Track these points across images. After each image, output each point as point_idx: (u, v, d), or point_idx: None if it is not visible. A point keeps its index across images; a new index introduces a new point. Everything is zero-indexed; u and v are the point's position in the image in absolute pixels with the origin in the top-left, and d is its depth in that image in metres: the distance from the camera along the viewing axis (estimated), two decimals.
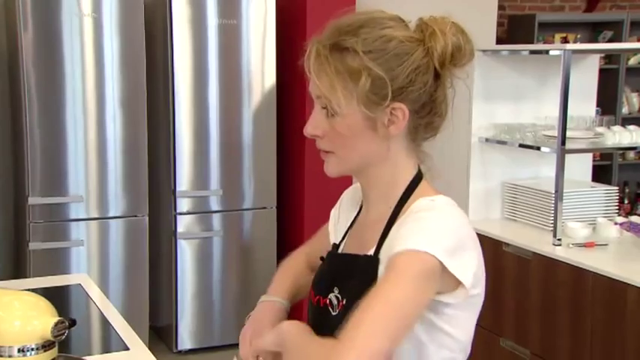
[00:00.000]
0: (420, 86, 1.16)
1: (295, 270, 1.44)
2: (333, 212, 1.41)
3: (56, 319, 1.21)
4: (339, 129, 1.18)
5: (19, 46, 3.51)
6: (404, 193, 1.21)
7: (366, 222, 1.27)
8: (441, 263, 1.09)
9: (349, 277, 1.21)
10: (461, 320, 1.18)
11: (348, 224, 1.33)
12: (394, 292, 1.06)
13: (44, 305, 1.25)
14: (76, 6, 3.59)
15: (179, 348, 3.98)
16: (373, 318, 1.04)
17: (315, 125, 1.20)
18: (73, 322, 1.23)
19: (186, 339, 3.99)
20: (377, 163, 1.21)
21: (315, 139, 1.22)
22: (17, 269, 3.88)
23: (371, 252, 1.20)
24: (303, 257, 1.46)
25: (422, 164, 1.25)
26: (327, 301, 1.23)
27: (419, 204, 1.19)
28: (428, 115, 1.20)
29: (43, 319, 1.21)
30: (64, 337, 1.22)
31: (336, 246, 1.33)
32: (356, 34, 1.15)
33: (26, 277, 3.47)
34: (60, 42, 3.58)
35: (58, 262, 3.66)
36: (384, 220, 1.20)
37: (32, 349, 1.21)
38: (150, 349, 3.93)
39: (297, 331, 1.17)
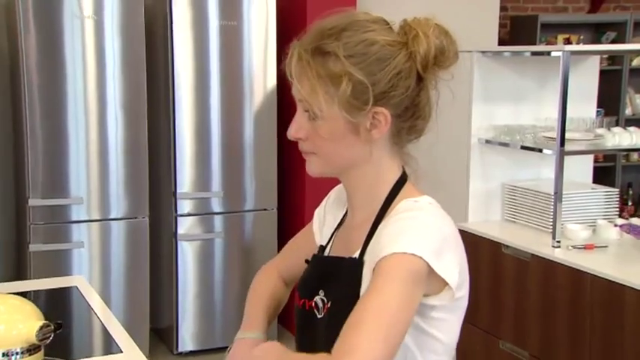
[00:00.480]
0: (403, 91, 1.15)
1: (268, 290, 1.42)
2: (318, 212, 1.40)
3: (41, 322, 1.21)
4: (321, 132, 1.18)
5: (21, 48, 3.52)
6: (388, 196, 1.21)
7: (351, 225, 1.27)
8: (427, 265, 1.09)
9: (334, 280, 1.21)
10: (447, 323, 1.18)
11: (335, 225, 1.32)
12: (386, 299, 1.06)
13: (30, 309, 1.24)
14: (77, 8, 3.60)
15: (180, 350, 3.98)
16: (368, 327, 1.03)
17: (297, 128, 1.20)
18: (58, 326, 1.23)
19: (187, 340, 3.99)
20: (360, 166, 1.21)
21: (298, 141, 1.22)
22: (18, 271, 3.89)
23: (356, 255, 1.19)
24: (275, 274, 1.45)
25: (406, 166, 1.24)
26: (313, 303, 1.23)
27: (402, 205, 1.18)
28: (411, 118, 1.19)
29: (28, 323, 1.21)
30: (49, 340, 1.22)
31: (322, 248, 1.32)
32: (338, 37, 1.14)
33: (27, 279, 3.48)
34: (61, 44, 3.59)
35: (59, 264, 3.67)
36: (369, 223, 1.20)
37: (17, 353, 1.20)
38: (151, 350, 3.96)
39: (276, 351, 1.14)
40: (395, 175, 1.22)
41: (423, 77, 1.17)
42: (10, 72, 3.86)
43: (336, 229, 1.32)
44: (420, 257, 1.08)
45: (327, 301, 1.21)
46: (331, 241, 1.31)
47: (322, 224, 1.37)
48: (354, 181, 1.23)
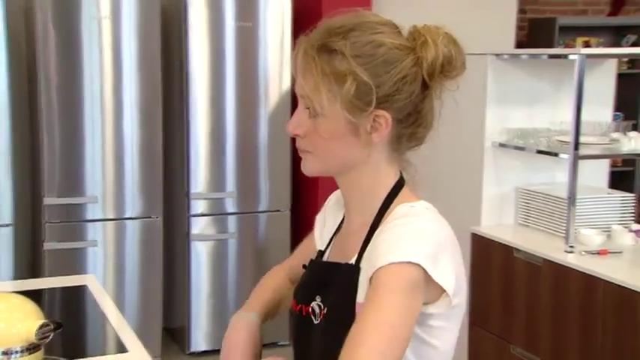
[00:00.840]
0: (406, 95, 1.14)
1: (273, 285, 1.43)
2: (319, 217, 1.39)
3: (41, 321, 1.22)
4: (320, 131, 1.16)
5: (38, 49, 3.56)
6: (385, 201, 1.20)
7: (348, 230, 1.26)
8: (424, 272, 1.08)
9: (331, 286, 1.20)
10: (445, 331, 1.16)
11: (334, 230, 1.32)
12: (385, 313, 1.04)
13: (30, 308, 1.25)
14: (95, 9, 3.63)
15: (192, 349, 4.00)
16: (368, 344, 1.02)
17: (296, 124, 1.19)
18: (58, 325, 1.24)
19: (199, 340, 4.00)
20: (357, 169, 1.19)
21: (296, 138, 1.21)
22: (33, 269, 3.92)
23: (352, 260, 1.18)
24: (282, 273, 1.45)
25: (404, 172, 1.23)
26: (310, 309, 1.22)
27: (399, 210, 1.17)
28: (412, 125, 1.18)
29: (27, 322, 1.21)
30: (48, 340, 1.22)
31: (321, 253, 1.31)
32: (346, 36, 1.13)
33: (41, 277, 3.51)
34: (78, 44, 3.62)
35: (74, 263, 3.70)
36: (365, 228, 1.19)
37: (17, 352, 1.21)
38: (163, 350, 3.98)
39: None
40: (392, 181, 1.21)
41: (428, 85, 1.16)
42: (28, 72, 3.90)
43: (334, 234, 1.31)
44: (417, 265, 1.07)
45: (324, 307, 1.20)
46: (330, 246, 1.30)
47: (322, 229, 1.36)
48: (351, 183, 1.22)
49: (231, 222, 4.00)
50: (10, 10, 3.53)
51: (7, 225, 3.56)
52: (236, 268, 4.03)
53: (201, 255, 3.96)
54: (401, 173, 1.23)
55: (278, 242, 4.06)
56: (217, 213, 3.97)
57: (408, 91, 1.14)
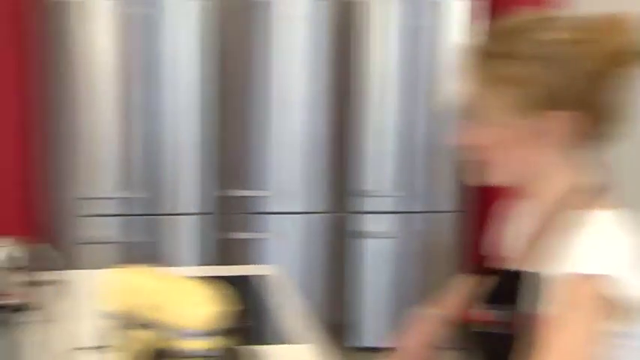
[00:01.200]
0: (584, 93, 1.07)
1: (473, 280, 1.40)
2: (505, 225, 1.34)
3: (220, 308, 1.27)
4: (493, 139, 1.12)
5: (226, 46, 3.75)
6: (567, 206, 1.12)
7: (532, 236, 1.20)
8: (612, 285, 1.01)
9: (513, 294, 1.15)
10: (631, 351, 1.08)
11: (519, 238, 1.26)
12: (574, 332, 1.00)
13: (211, 294, 1.30)
14: (271, 6, 3.75)
15: (361, 345, 4.04)
16: None
17: (467, 134, 1.15)
18: (237, 313, 1.27)
19: (367, 337, 4.04)
20: (537, 174, 1.14)
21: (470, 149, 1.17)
22: (215, 257, 4.14)
23: (536, 268, 1.13)
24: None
25: (592, 175, 1.15)
26: (492, 317, 1.18)
27: (581, 218, 1.09)
28: (593, 123, 1.10)
29: (207, 307, 1.26)
30: (227, 326, 1.27)
31: (506, 260, 1.27)
32: (513, 38, 1.08)
33: (222, 265, 3.71)
34: (257, 41, 3.77)
35: (251, 253, 3.87)
36: (547, 235, 1.13)
37: (194, 335, 1.25)
38: (328, 344, 4.05)
39: None
40: (576, 185, 1.14)
41: (610, 76, 1.08)
42: (218, 69, 4.10)
43: (518, 242, 1.26)
44: (604, 277, 1.01)
45: (505, 316, 1.15)
46: (514, 254, 1.26)
47: (509, 237, 1.32)
48: (530, 189, 1.17)
49: (398, 220, 3.99)
50: (202, 8, 3.73)
51: (192, 214, 3.79)
52: (401, 267, 4.03)
53: (367, 252, 4.00)
54: (589, 178, 1.15)
55: (445, 244, 4.02)
56: (384, 211, 3.98)
57: (585, 89, 1.07)
